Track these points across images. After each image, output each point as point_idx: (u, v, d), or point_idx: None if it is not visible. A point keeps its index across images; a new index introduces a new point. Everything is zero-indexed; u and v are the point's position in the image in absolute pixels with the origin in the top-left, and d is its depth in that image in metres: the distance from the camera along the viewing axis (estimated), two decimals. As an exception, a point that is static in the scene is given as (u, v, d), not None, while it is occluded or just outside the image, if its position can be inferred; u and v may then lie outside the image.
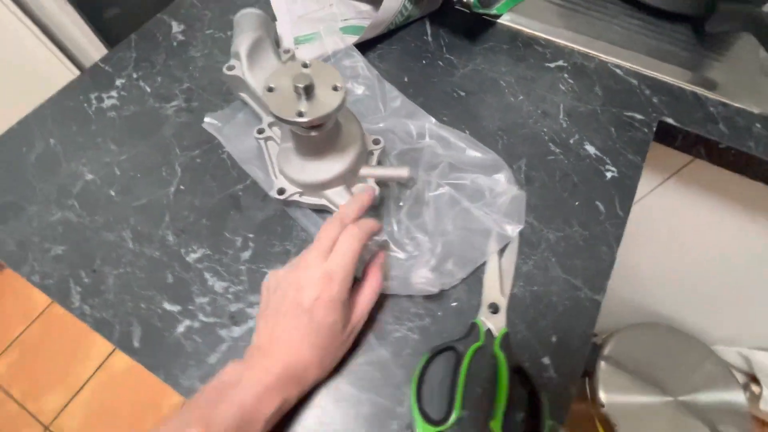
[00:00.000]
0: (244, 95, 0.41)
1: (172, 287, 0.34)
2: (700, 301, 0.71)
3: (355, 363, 0.31)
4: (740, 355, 0.74)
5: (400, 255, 0.33)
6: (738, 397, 0.71)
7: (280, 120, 0.29)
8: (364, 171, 0.35)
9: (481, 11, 0.47)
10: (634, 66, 0.46)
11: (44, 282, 0.34)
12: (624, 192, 0.38)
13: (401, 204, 0.36)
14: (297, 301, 0.27)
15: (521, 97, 0.44)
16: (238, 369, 0.26)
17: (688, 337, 0.76)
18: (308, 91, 0.29)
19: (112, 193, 0.38)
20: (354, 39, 0.45)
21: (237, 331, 0.32)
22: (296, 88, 0.29)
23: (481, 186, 0.35)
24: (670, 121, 0.42)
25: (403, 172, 0.34)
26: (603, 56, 0.47)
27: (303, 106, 0.29)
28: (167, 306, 0.33)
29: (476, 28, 0.50)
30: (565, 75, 0.46)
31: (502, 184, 0.35)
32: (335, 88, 0.30)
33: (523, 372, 0.30)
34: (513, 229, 0.34)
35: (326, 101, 0.29)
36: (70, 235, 0.36)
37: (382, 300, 0.33)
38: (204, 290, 0.33)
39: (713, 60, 0.49)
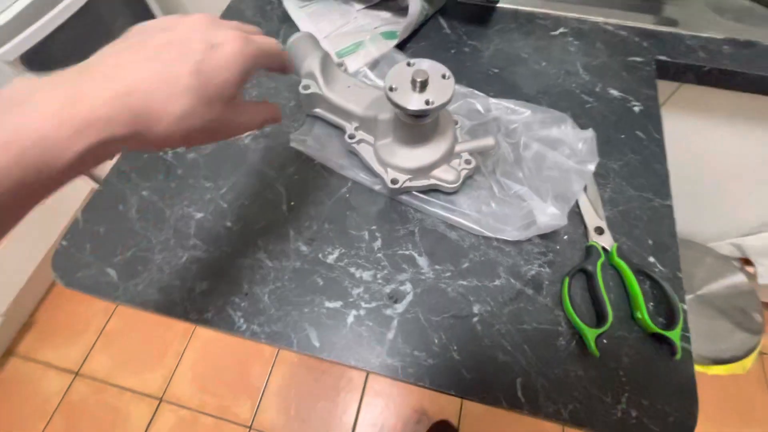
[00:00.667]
0: (319, 110, 0.45)
1: (325, 288, 0.37)
2: (691, 206, 0.83)
3: (512, 306, 0.36)
4: (732, 245, 0.88)
5: (509, 207, 0.39)
6: (740, 278, 0.84)
7: (407, 112, 0.34)
8: (458, 147, 0.40)
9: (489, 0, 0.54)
10: (619, 21, 0.56)
11: (203, 317, 0.36)
12: (653, 119, 0.47)
13: (492, 168, 0.42)
14: (173, 39, 0.21)
15: (544, 64, 0.52)
16: (32, 84, 0.18)
17: (685, 240, 0.89)
18: (424, 85, 0.34)
19: (229, 224, 0.40)
20: (393, 42, 0.50)
21: (399, 307, 0.36)
22: (414, 83, 0.33)
23: (557, 137, 0.41)
24: (663, 58, 0.52)
25: (489, 141, 0.39)
26: (592, 18, 0.56)
27: (426, 96, 0.33)
28: (330, 304, 0.36)
29: (483, 15, 0.57)
30: (570, 38, 0.54)
31: (571, 132, 0.42)
32: (444, 76, 0.35)
33: (642, 271, 0.36)
34: (591, 166, 0.40)
35: (442, 89, 0.34)
36: (207, 270, 0.38)
37: (509, 249, 0.38)
38: (355, 282, 0.37)
39: (671, 5, 0.59)
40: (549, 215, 0.37)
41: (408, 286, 0.37)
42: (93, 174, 1.15)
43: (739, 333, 0.80)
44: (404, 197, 0.41)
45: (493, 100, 0.45)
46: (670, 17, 0.57)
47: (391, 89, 0.34)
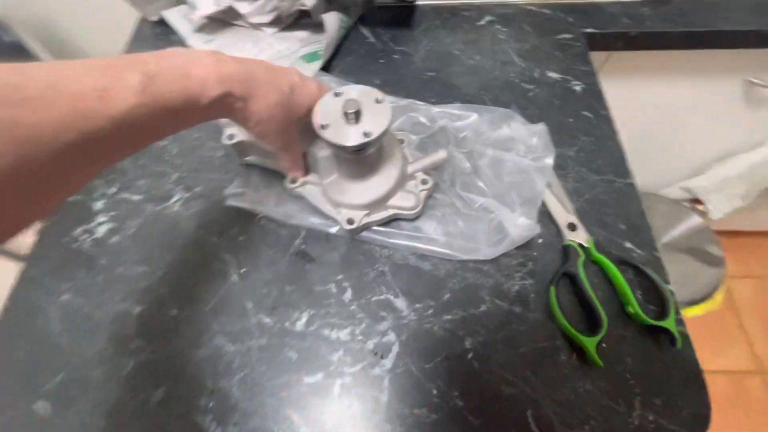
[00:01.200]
0: (252, 157, 0.40)
1: (301, 361, 0.32)
2: (639, 160, 0.85)
3: (504, 331, 0.33)
4: (681, 189, 0.92)
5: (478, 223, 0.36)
6: (695, 219, 0.88)
7: (345, 150, 0.30)
8: (411, 168, 0.37)
9: (405, 1, 0.51)
10: (537, 0, 0.54)
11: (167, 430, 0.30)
12: (596, 96, 0.46)
13: (451, 183, 0.39)
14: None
15: (478, 57, 0.49)
16: (192, 50, 0.26)
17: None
18: (358, 115, 0.30)
19: (174, 312, 0.35)
20: (318, 64, 0.46)
21: (387, 362, 0.32)
22: (347, 116, 0.30)
23: (509, 136, 0.39)
24: (591, 30, 0.51)
25: (441, 154, 0.36)
26: (514, 1, 0.54)
27: (362, 127, 0.30)
28: (309, 379, 0.32)
29: (405, 17, 0.54)
30: (498, 26, 0.52)
31: (522, 128, 0.40)
32: (377, 101, 0.31)
33: (623, 261, 0.35)
34: (549, 159, 0.39)
35: (379, 114, 0.30)
36: (159, 373, 0.32)
37: (487, 268, 0.36)
38: (332, 346, 0.33)
39: None
40: (520, 227, 0.34)
41: (391, 336, 0.33)
42: None
43: (706, 270, 0.84)
44: (365, 234, 0.37)
45: (436, 109, 0.42)
46: (586, -13, 0.56)
47: (323, 127, 0.30)
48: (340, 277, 0.36)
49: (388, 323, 0.34)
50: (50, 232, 0.39)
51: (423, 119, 0.42)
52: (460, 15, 0.54)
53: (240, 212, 0.39)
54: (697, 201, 0.94)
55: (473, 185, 0.38)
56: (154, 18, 0.54)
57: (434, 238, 0.37)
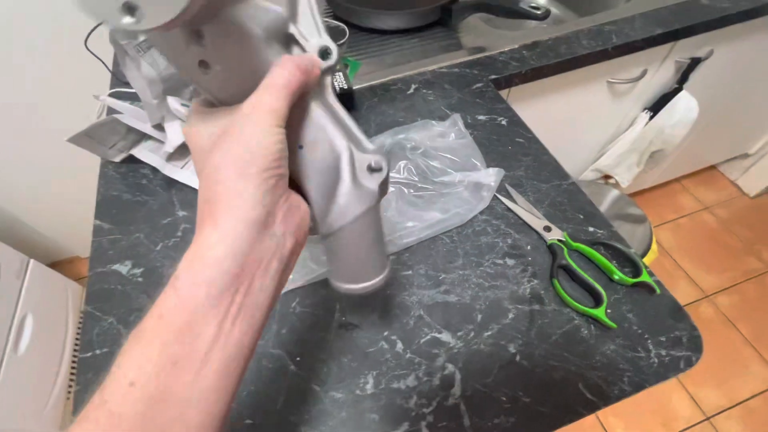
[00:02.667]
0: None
1: (384, 420, 0.35)
2: (561, 158, 1.03)
3: (534, 328, 0.40)
4: (592, 171, 1.11)
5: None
6: (612, 191, 1.06)
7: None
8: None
9: (345, 89, 0.60)
10: (447, 63, 0.67)
11: None
12: (519, 125, 0.58)
13: (421, 178, 0.47)
14: None
15: (419, 118, 0.59)
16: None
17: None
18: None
19: (249, 421, 0.36)
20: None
21: (456, 390, 0.37)
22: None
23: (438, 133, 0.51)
24: (493, 76, 0.65)
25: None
26: (429, 68, 0.67)
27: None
28: (398, 432, 0.35)
29: (347, 101, 0.62)
30: (424, 90, 0.64)
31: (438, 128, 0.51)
32: None
33: (595, 242, 0.45)
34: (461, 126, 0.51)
35: None
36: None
37: (499, 282, 0.43)
38: (406, 395, 0.37)
39: (463, 35, 0.74)
40: (492, 174, 0.47)
41: (450, 367, 0.38)
42: None
43: (636, 228, 1.00)
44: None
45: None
46: (476, 46, 0.71)
47: None
48: (386, 333, 0.40)
49: (443, 358, 0.38)
50: (86, 395, 0.38)
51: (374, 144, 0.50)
52: (391, 89, 0.64)
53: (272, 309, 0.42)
54: (607, 177, 1.14)
55: (436, 171, 0.48)
56: (117, 159, 0.56)
57: (440, 219, 0.45)
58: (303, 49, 0.23)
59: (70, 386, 1.13)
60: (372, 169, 0.25)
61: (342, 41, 0.72)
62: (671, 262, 1.35)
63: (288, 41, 0.23)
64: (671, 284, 1.29)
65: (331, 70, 0.24)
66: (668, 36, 0.71)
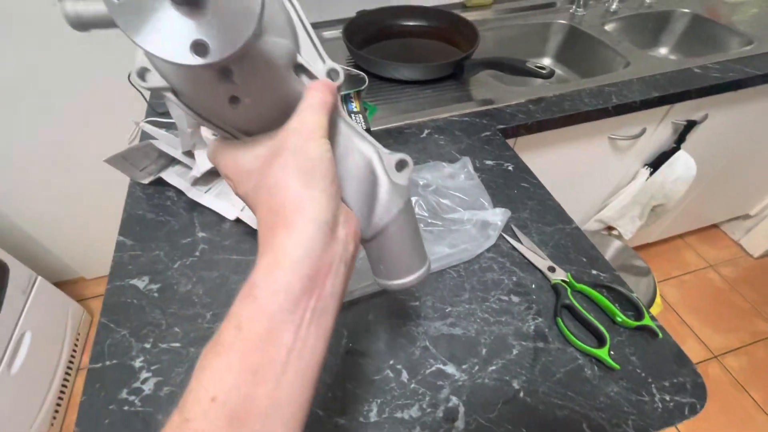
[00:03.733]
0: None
1: None
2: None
3: (538, 365, 0.40)
4: (595, 221, 1.13)
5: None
6: (615, 242, 1.07)
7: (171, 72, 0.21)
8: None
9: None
10: (457, 112, 0.73)
11: None
12: (525, 171, 0.61)
13: (431, 214, 0.49)
14: None
15: (430, 161, 0.63)
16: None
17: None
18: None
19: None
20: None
21: (459, 424, 0.37)
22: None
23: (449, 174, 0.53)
24: (501, 126, 0.69)
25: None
26: (441, 116, 0.72)
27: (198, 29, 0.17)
28: (400, 463, 0.34)
29: (364, 140, 0.67)
30: (436, 135, 0.68)
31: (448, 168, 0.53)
32: None
33: (597, 285, 0.46)
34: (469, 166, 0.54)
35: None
36: None
37: (504, 318, 0.44)
38: (409, 425, 0.37)
39: (474, 88, 0.80)
40: (499, 214, 0.49)
41: (454, 399, 0.38)
42: None
43: (640, 281, 1.00)
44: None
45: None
46: (484, 98, 0.77)
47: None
48: (392, 362, 0.41)
49: (447, 390, 0.39)
50: (92, 405, 0.38)
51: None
52: (405, 132, 0.69)
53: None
54: (611, 228, 1.16)
55: (446, 209, 0.50)
56: (145, 181, 0.60)
57: (448, 253, 0.47)
58: (312, 75, 0.25)
59: (56, 410, 1.10)
60: (400, 166, 0.27)
61: (362, 88, 0.78)
62: (676, 318, 1.33)
63: (297, 70, 0.25)
64: (678, 340, 1.27)
65: (339, 89, 0.26)
66: (664, 99, 0.77)
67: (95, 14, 0.20)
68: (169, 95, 0.22)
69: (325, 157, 0.21)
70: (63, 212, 1.22)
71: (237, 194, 0.24)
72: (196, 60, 0.17)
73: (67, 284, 1.44)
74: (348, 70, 0.84)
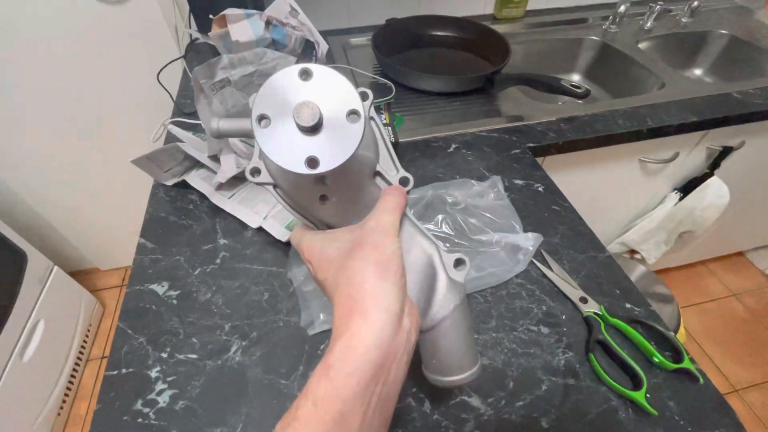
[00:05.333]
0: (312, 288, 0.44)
1: None
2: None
3: (568, 403, 0.38)
4: (618, 244, 1.10)
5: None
6: (639, 267, 1.04)
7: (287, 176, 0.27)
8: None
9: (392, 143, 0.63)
10: (486, 127, 0.71)
11: None
12: (555, 192, 0.59)
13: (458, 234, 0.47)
14: None
15: (457, 176, 0.62)
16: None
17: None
18: (318, 127, 0.22)
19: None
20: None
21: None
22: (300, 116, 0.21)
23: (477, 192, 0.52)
24: (531, 144, 0.67)
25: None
26: (469, 131, 0.70)
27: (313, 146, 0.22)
28: (421, 501, 0.33)
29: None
30: (464, 151, 0.66)
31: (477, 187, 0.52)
32: (352, 114, 0.22)
33: (633, 320, 0.44)
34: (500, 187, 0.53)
35: (342, 138, 0.22)
36: None
37: (533, 350, 0.42)
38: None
39: (502, 103, 0.79)
40: (530, 239, 0.47)
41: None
42: None
43: (663, 308, 0.97)
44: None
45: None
46: (515, 114, 0.75)
47: (260, 120, 0.22)
48: (414, 390, 0.39)
49: (472, 423, 0.37)
50: (106, 415, 0.37)
51: (415, 195, 0.52)
52: (431, 146, 0.67)
53: (301, 349, 0.42)
54: (633, 252, 1.13)
55: (474, 229, 0.48)
56: (169, 183, 0.59)
57: (475, 276, 0.45)
58: (387, 180, 0.29)
59: (64, 400, 1.10)
60: (458, 264, 0.30)
61: (389, 97, 0.77)
62: (696, 348, 1.28)
63: (375, 175, 0.29)
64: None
65: (408, 193, 0.30)
66: (701, 125, 0.74)
67: (234, 129, 0.28)
68: (271, 188, 0.28)
69: (398, 254, 0.24)
70: (84, 204, 1.23)
71: (315, 279, 0.28)
72: (308, 171, 0.22)
73: (80, 274, 1.45)
74: (375, 79, 0.83)
